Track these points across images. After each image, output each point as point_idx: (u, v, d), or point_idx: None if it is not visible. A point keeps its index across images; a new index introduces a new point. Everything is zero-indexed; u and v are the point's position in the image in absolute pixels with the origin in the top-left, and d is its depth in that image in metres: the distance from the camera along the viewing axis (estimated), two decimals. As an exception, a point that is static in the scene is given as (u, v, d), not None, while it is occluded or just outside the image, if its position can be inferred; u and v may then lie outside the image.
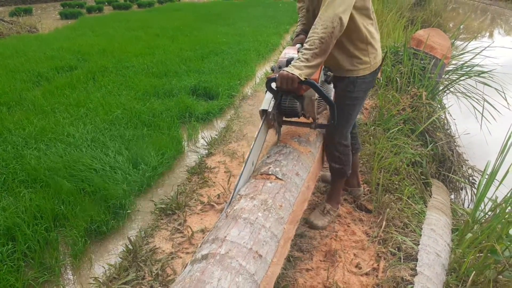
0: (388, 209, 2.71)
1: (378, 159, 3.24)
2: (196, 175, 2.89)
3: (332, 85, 2.10)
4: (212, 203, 2.51)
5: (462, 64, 5.50)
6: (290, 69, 1.73)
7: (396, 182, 3.12)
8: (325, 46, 1.74)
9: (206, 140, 3.48)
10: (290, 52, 2.04)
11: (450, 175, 4.25)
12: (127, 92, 4.60)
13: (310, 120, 2.14)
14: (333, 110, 1.89)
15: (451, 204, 3.60)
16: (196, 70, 5.62)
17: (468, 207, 4.33)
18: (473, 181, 4.48)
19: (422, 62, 4.68)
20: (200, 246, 1.42)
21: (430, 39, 4.73)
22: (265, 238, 1.46)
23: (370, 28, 2.07)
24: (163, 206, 2.46)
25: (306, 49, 1.76)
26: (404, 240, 2.47)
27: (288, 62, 1.88)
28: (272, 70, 2.01)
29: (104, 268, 2.05)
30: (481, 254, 2.36)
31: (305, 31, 2.34)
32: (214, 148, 3.30)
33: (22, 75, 5.26)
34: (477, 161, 4.75)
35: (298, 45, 2.21)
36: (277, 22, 10.98)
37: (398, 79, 4.53)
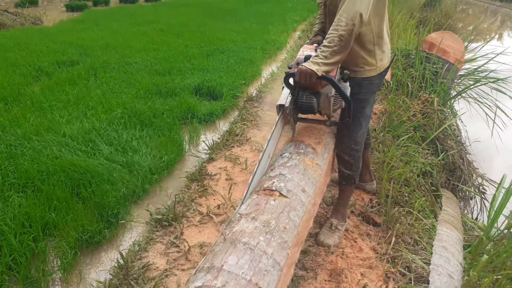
0: (397, 224, 2.56)
1: (388, 169, 3.09)
2: (196, 182, 2.75)
3: (348, 83, 2.03)
4: (211, 214, 2.36)
5: (475, 68, 5.33)
6: (309, 65, 1.76)
7: (406, 194, 2.97)
8: (344, 44, 1.75)
9: (208, 144, 3.34)
10: (307, 50, 2.07)
11: (460, 185, 4.09)
12: (128, 90, 4.46)
13: (325, 117, 2.16)
14: (350, 107, 1.95)
15: (461, 217, 3.46)
16: (201, 68, 5.47)
17: (477, 217, 4.19)
18: (483, 190, 4.34)
19: (434, 66, 4.51)
20: (195, 275, 1.27)
21: (443, 43, 4.56)
22: (266, 267, 1.31)
23: (381, 29, 2.02)
24: (159, 217, 2.32)
25: (325, 46, 1.77)
26: (414, 259, 2.32)
27: (306, 59, 1.87)
28: (289, 67, 1.99)
29: (93, 286, 1.91)
30: (498, 276, 2.22)
31: (323, 31, 2.33)
32: (216, 153, 3.15)
33: (22, 69, 5.13)
34: (487, 169, 4.60)
35: (315, 45, 2.20)
36: (285, 19, 10.79)
37: (409, 83, 4.37)
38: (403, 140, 3.53)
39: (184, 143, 3.36)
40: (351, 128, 2.16)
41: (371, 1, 1.81)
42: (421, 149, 3.73)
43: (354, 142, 2.25)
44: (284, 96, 2.03)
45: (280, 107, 2.01)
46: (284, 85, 1.97)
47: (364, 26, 1.89)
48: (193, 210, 2.40)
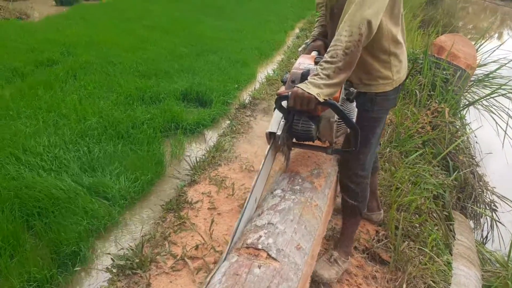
0: (409, 267, 2.18)
1: (396, 195, 2.70)
2: (173, 213, 2.34)
3: (355, 104, 1.74)
4: (186, 258, 1.96)
5: (487, 74, 4.94)
6: (306, 87, 1.43)
7: (417, 225, 2.58)
8: (350, 59, 1.44)
9: (190, 162, 2.92)
10: (305, 62, 1.74)
11: (472, 206, 3.73)
12: (108, 94, 4.04)
13: (326, 143, 1.85)
14: (357, 136, 1.59)
15: (476, 245, 3.10)
16: (190, 70, 5.05)
17: (487, 235, 3.84)
18: (494, 208, 3.98)
19: (444, 72, 4.11)
20: None
21: (453, 47, 4.16)
22: None
23: (397, 37, 1.70)
24: (121, 263, 1.91)
25: (327, 62, 1.45)
26: (430, 313, 1.95)
27: (303, 76, 1.59)
28: (283, 82, 1.72)
29: None
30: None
31: (324, 35, 2.03)
32: (199, 174, 2.74)
33: (-5, 69, 4.70)
34: (498, 182, 4.24)
35: (314, 53, 1.91)
36: (282, 17, 10.34)
37: (417, 91, 3.97)
38: (412, 158, 3.13)
39: (165, 160, 2.95)
40: (360, 149, 1.79)
41: (383, 4, 1.49)
42: (431, 167, 3.35)
43: (361, 167, 1.93)
44: (276, 121, 1.67)
45: (271, 136, 1.65)
46: (275, 107, 1.59)
47: (377, 33, 1.54)
48: (166, 252, 1.99)
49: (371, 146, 1.90)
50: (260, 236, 1.36)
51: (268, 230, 1.40)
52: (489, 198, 4.02)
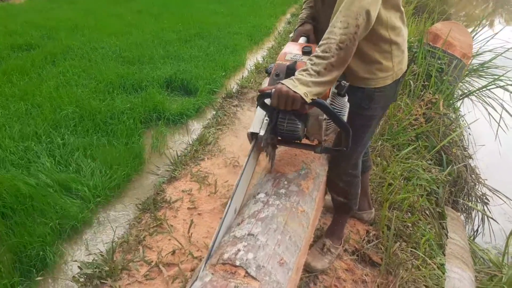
0: (401, 271, 2.05)
1: (389, 192, 2.57)
2: (149, 213, 2.17)
3: (346, 98, 1.52)
4: (161, 266, 1.80)
5: (481, 64, 4.80)
6: (293, 85, 1.25)
7: (410, 225, 2.46)
8: (344, 54, 1.28)
9: (171, 157, 2.74)
10: (292, 50, 1.53)
11: (464, 201, 3.63)
12: (87, 82, 3.82)
13: (315, 141, 1.65)
14: (349, 136, 1.40)
15: (469, 242, 3.00)
16: (176, 56, 4.83)
17: (478, 229, 3.75)
18: (486, 201, 3.90)
19: (439, 62, 3.96)
20: None
21: (449, 35, 4.00)
22: None
23: (398, 23, 1.53)
24: (89, 271, 1.74)
25: (318, 57, 1.28)
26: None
27: (289, 69, 1.41)
28: (267, 72, 1.54)
29: None
30: None
31: (312, 17, 1.81)
32: (180, 169, 2.57)
33: (-32, 54, 4.44)
34: (490, 175, 4.14)
35: (302, 39, 1.72)
36: (273, 2, 10.07)
37: (411, 82, 3.81)
38: (406, 153, 3.00)
39: (144, 153, 2.78)
40: (351, 150, 1.62)
41: None
42: (425, 162, 3.22)
43: (352, 165, 1.82)
44: (258, 120, 1.47)
45: (253, 136, 1.45)
46: (257, 104, 1.42)
47: (378, 20, 1.40)
48: (139, 258, 1.83)
49: (364, 144, 1.77)
50: (239, 250, 1.20)
51: (248, 242, 1.24)
52: (481, 191, 3.94)
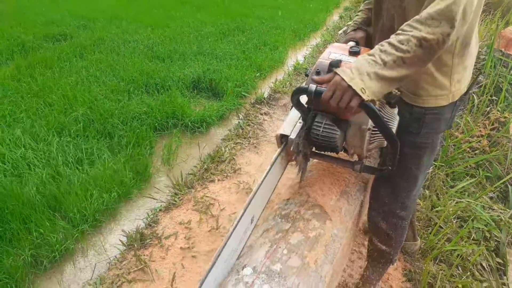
0: None
1: (437, 239, 2.06)
2: (133, 252, 1.82)
3: (396, 110, 1.32)
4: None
5: None
6: (349, 76, 1.02)
7: (460, 287, 1.94)
8: (423, 54, 1.01)
9: (176, 176, 2.37)
10: (336, 52, 1.31)
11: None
12: (109, 79, 3.56)
13: (355, 157, 1.41)
14: (396, 151, 1.20)
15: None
16: (209, 53, 4.48)
17: None
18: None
19: (512, 73, 3.30)
20: None
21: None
22: None
23: (471, 34, 1.20)
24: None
25: (390, 45, 1.03)
26: None
27: (332, 66, 1.15)
28: (306, 75, 1.30)
29: None
30: None
31: (368, 23, 1.54)
32: (182, 194, 2.20)
33: (1, 43, 4.35)
34: None
35: (351, 43, 1.45)
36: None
37: (475, 95, 3.19)
38: (463, 187, 2.44)
39: (150, 168, 2.44)
40: (399, 183, 1.40)
41: None
42: (485, 196, 2.64)
43: (401, 205, 1.46)
44: (291, 122, 1.30)
45: (283, 139, 1.27)
46: (292, 104, 1.23)
47: None
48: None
49: (416, 180, 1.41)
50: None
51: None
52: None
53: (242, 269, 1.11)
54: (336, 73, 1.06)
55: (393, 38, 1.04)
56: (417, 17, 1.03)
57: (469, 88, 1.32)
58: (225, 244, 1.00)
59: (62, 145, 2.48)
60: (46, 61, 3.88)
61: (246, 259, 1.15)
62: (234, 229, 1.03)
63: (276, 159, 1.23)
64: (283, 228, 1.25)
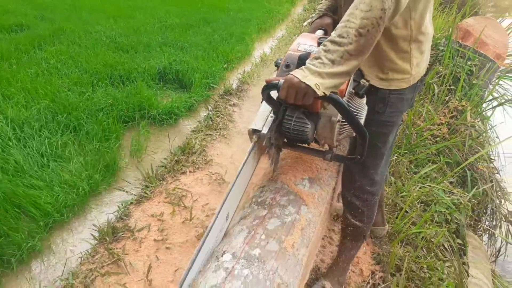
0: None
1: (403, 223, 2.15)
2: (105, 245, 1.79)
3: (365, 100, 1.36)
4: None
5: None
6: (303, 75, 1.08)
7: (425, 267, 2.04)
8: (364, 41, 1.07)
9: (146, 169, 2.34)
10: (306, 42, 1.36)
11: (487, 227, 3.21)
12: (71, 71, 3.44)
13: (325, 146, 1.48)
14: (365, 142, 1.25)
15: (493, 278, 2.61)
16: (175, 44, 4.41)
17: (500, 249, 3.33)
18: (511, 219, 3.47)
19: (469, 63, 3.46)
20: None
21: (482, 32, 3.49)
22: None
23: (424, 22, 1.29)
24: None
25: (333, 42, 1.09)
26: None
27: (301, 60, 1.23)
28: (276, 65, 1.36)
29: None
30: None
31: (334, 10, 1.61)
32: (154, 186, 2.18)
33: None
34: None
35: (319, 32, 1.53)
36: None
37: (435, 85, 3.33)
38: (425, 173, 2.55)
39: (119, 161, 2.39)
40: (367, 162, 1.46)
41: None
42: (446, 181, 2.78)
43: (370, 181, 1.57)
44: (262, 116, 1.32)
45: (255, 134, 1.29)
46: (262, 98, 1.24)
47: (401, 14, 1.20)
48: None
49: (382, 157, 1.52)
50: None
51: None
52: (507, 209, 3.51)
53: (222, 256, 1.12)
54: (292, 74, 1.10)
55: (333, 34, 1.10)
56: (349, 10, 1.09)
57: (427, 70, 1.42)
58: (202, 245, 1.03)
59: (24, 140, 2.38)
60: (1, 52, 3.69)
61: (225, 245, 1.17)
62: (210, 229, 1.06)
63: (249, 153, 1.25)
64: (260, 214, 1.27)
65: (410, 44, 1.30)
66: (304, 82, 1.06)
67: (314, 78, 1.07)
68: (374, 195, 1.61)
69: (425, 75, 1.48)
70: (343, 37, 1.07)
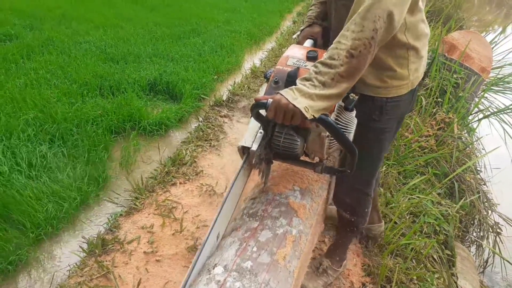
0: None
1: (392, 234, 2.16)
2: (94, 258, 1.77)
3: (354, 113, 1.33)
4: None
5: (501, 78, 4.36)
6: (293, 97, 1.07)
7: (415, 278, 2.05)
8: (356, 63, 1.07)
9: (136, 180, 2.33)
10: (295, 54, 1.35)
11: (476, 238, 3.25)
12: (60, 81, 3.42)
13: (316, 158, 1.44)
14: (354, 158, 1.23)
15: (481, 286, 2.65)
16: (165, 55, 4.42)
17: (487, 260, 3.36)
18: (498, 231, 3.51)
19: (455, 76, 3.53)
20: None
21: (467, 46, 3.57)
22: None
23: (419, 26, 1.30)
24: None
25: (324, 64, 1.08)
26: None
27: (290, 77, 1.23)
28: (266, 77, 1.36)
29: None
30: None
31: (323, 17, 1.61)
32: (144, 198, 2.17)
33: None
34: (503, 200, 3.75)
35: (308, 42, 1.53)
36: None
37: (423, 98, 3.38)
38: (414, 185, 2.58)
39: (108, 171, 2.37)
40: (363, 164, 1.41)
41: None
42: (434, 192, 2.81)
43: (365, 183, 1.60)
44: (252, 132, 1.31)
45: (244, 151, 1.29)
46: (251, 115, 1.23)
47: None
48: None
49: (378, 161, 1.55)
50: None
51: None
52: (494, 220, 3.55)
53: (213, 268, 1.12)
54: (280, 94, 1.09)
55: (324, 56, 1.10)
56: (342, 31, 1.09)
57: (425, 74, 1.44)
58: (193, 266, 1.04)
59: (12, 150, 2.35)
60: (-12, 62, 3.66)
61: (217, 258, 1.16)
62: (200, 252, 1.07)
63: (239, 171, 1.26)
64: (251, 226, 1.27)
65: (407, 50, 1.31)
66: (293, 104, 1.05)
67: (304, 100, 1.06)
68: (368, 195, 1.63)
69: (424, 78, 1.50)
70: (334, 59, 1.07)
